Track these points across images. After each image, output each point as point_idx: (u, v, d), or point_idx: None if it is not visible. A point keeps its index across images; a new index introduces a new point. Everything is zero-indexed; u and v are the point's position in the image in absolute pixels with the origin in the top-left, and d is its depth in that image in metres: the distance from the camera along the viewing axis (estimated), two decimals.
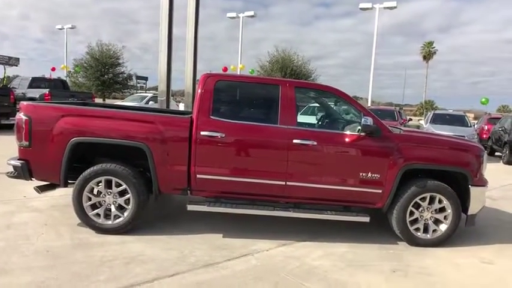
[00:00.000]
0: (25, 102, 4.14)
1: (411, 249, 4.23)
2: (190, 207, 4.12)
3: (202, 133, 4.00)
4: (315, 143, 4.08)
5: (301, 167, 4.12)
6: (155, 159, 3.98)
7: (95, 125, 3.98)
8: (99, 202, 4.07)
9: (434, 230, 4.32)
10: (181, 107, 17.20)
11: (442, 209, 4.30)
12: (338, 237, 4.40)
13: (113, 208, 4.06)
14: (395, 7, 23.85)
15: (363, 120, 4.01)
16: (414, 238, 4.29)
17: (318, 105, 8.00)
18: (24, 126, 3.96)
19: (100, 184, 4.04)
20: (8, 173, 4.18)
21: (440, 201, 4.27)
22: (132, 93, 26.74)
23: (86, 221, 4.04)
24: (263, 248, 3.98)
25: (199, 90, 4.14)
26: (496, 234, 4.93)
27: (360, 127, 4.10)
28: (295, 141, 4.06)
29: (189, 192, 4.21)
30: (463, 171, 4.30)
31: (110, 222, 4.05)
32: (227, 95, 4.29)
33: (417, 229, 4.30)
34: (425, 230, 4.32)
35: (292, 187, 4.13)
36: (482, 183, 4.42)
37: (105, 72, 35.07)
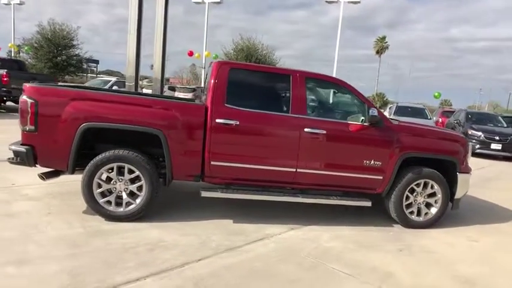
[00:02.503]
0: (28, 84, 3.90)
1: (406, 231, 4.60)
2: (204, 194, 4.16)
3: (218, 120, 4.04)
4: (325, 132, 4.28)
5: (311, 155, 4.30)
6: (170, 146, 3.96)
7: (108, 110, 3.86)
8: (108, 189, 3.99)
9: (426, 213, 4.73)
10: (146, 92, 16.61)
11: (433, 194, 4.71)
12: (338, 222, 4.68)
13: (124, 195, 3.99)
14: (359, 2, 24.68)
15: (370, 111, 4.26)
16: (409, 221, 4.67)
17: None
18: (29, 109, 3.75)
19: (111, 171, 3.95)
20: (9, 158, 3.95)
21: (432, 187, 4.67)
22: (94, 78, 25.42)
23: (96, 208, 3.94)
24: (275, 232, 4.13)
25: (212, 79, 4.15)
26: (474, 216, 5.48)
27: (363, 117, 4.36)
28: (306, 129, 4.22)
29: (200, 179, 4.24)
30: (453, 160, 4.73)
31: (121, 209, 3.98)
32: (241, 83, 4.31)
33: (411, 212, 4.68)
34: (418, 213, 4.72)
35: (302, 174, 4.30)
36: (467, 170, 4.89)
37: (58, 54, 32.85)
